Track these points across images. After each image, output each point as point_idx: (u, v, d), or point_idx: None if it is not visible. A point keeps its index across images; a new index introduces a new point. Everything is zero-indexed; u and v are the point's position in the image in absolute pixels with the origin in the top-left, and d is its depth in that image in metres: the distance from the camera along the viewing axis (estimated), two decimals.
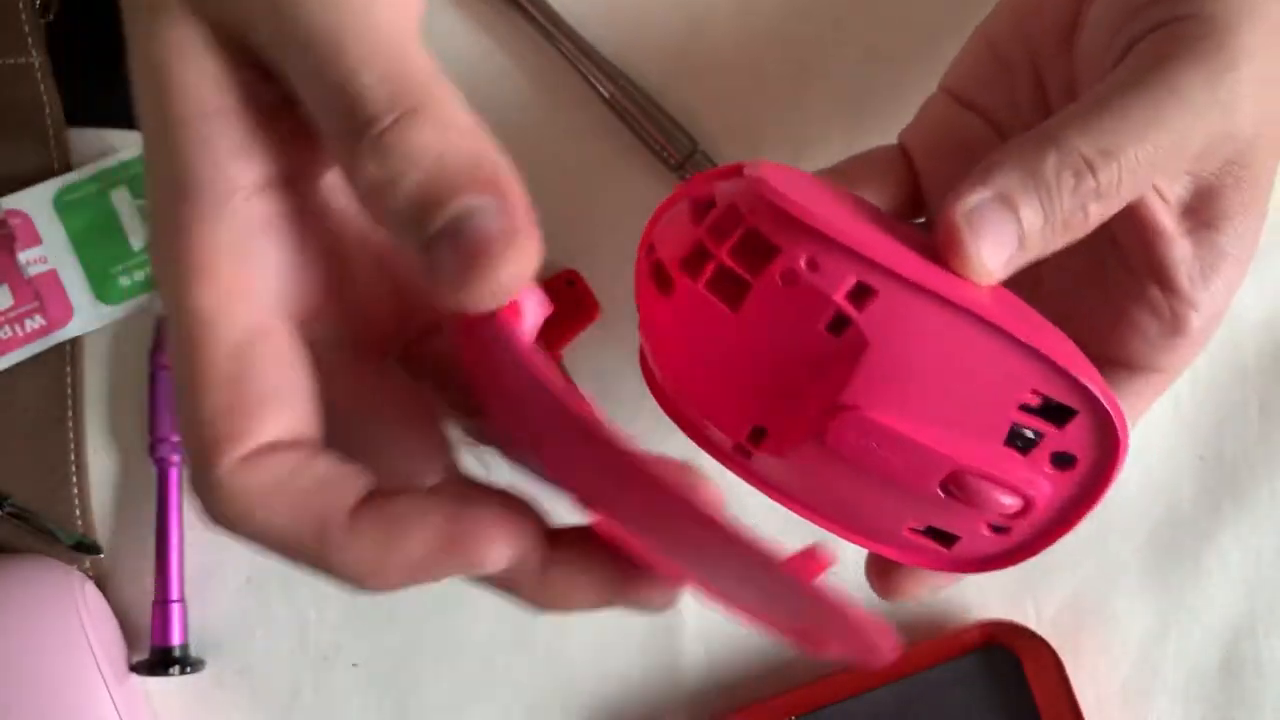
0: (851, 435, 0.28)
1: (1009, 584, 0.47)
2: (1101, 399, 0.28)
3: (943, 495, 0.29)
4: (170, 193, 0.28)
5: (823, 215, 0.28)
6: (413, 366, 0.32)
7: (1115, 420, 0.29)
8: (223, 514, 0.27)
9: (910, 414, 0.28)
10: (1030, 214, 0.29)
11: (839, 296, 0.28)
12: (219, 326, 0.27)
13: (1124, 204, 0.30)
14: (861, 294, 0.28)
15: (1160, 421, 0.47)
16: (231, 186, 0.28)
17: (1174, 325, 0.33)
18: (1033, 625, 0.47)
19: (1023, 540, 0.30)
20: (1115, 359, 0.34)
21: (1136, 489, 0.47)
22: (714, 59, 0.47)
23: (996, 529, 0.30)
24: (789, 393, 0.29)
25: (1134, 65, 0.31)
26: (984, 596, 0.47)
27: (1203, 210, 0.32)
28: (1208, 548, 0.47)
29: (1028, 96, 0.36)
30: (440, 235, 0.25)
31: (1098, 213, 0.30)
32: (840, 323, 0.28)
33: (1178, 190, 0.32)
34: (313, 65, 0.26)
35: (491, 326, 0.27)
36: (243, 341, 0.27)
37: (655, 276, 0.30)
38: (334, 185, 0.30)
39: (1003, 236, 0.29)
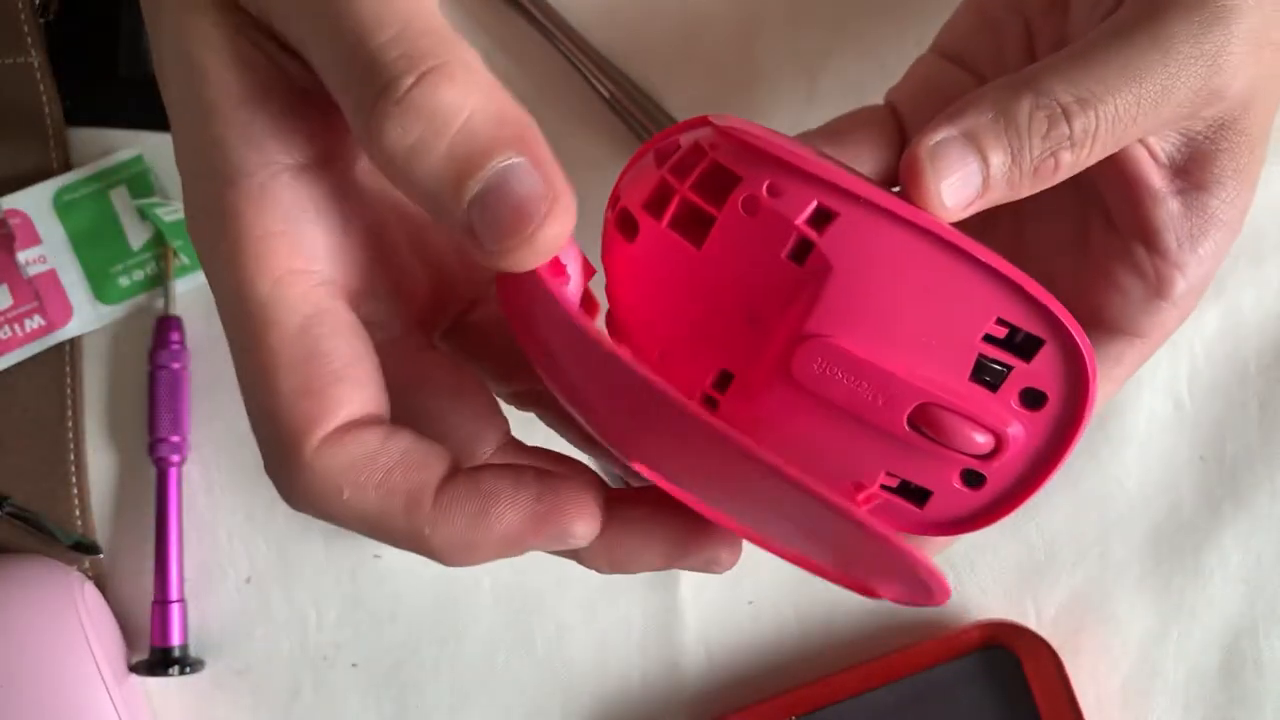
0: (817, 364, 0.28)
1: (1009, 584, 0.47)
2: (1067, 325, 0.28)
3: (912, 432, 0.29)
4: (212, 182, 0.27)
5: (786, 147, 0.28)
6: (457, 340, 0.33)
7: (1083, 350, 0.28)
8: (310, 497, 0.27)
9: (876, 342, 0.28)
10: (997, 155, 0.29)
11: (800, 221, 0.28)
12: (281, 309, 0.27)
13: (1100, 157, 0.30)
14: (822, 218, 0.28)
15: (1160, 421, 0.47)
16: (274, 169, 0.27)
17: (1158, 288, 0.32)
18: (1033, 625, 0.47)
19: (995, 496, 0.30)
20: (1096, 320, 0.33)
21: (1136, 489, 0.47)
22: (714, 59, 0.48)
23: (969, 480, 0.30)
24: (755, 330, 0.29)
25: (1122, 17, 0.30)
26: (984, 596, 0.47)
27: (1194, 172, 0.32)
28: (1208, 548, 0.47)
29: (1017, 53, 0.36)
30: (477, 200, 0.25)
31: (1070, 162, 0.29)
32: (803, 250, 0.28)
33: (1167, 148, 0.32)
34: (328, 32, 0.26)
35: (536, 285, 0.27)
36: (306, 323, 0.27)
37: (620, 224, 0.30)
38: (368, 166, 0.30)
39: (966, 174, 0.29)
